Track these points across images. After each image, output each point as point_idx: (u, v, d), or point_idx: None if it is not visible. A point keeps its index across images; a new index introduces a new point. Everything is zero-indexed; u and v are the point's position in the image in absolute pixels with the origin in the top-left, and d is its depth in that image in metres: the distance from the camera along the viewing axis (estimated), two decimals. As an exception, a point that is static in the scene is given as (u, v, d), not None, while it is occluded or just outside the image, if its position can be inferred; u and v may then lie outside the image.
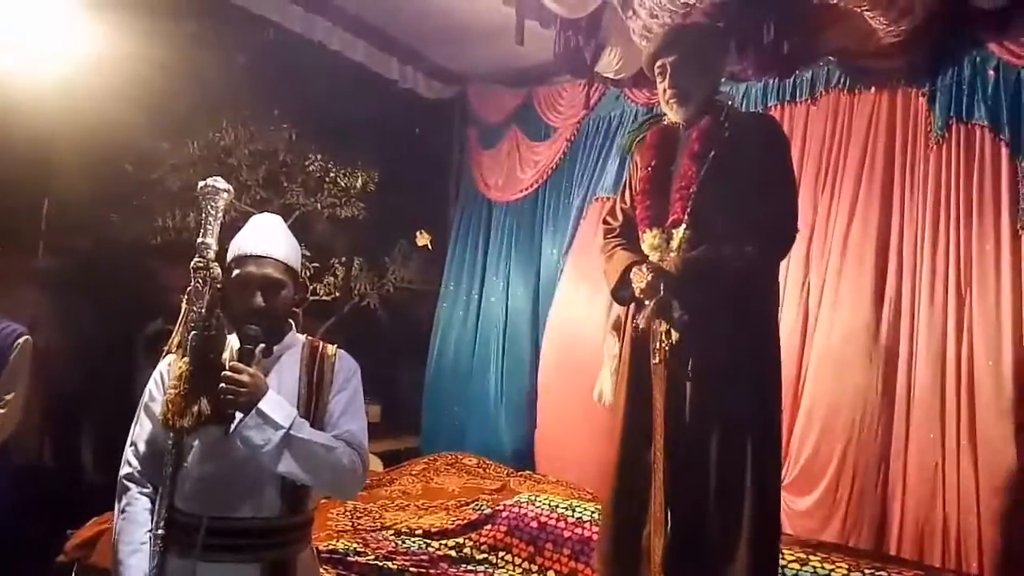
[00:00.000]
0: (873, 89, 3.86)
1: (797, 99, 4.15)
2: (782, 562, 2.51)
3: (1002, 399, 3.18)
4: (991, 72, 3.48)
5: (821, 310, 3.79)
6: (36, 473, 4.27)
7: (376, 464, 4.75)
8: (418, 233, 5.91)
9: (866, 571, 2.67)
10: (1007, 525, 3.10)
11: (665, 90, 2.45)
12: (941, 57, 3.63)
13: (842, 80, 3.98)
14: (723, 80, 2.96)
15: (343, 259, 5.65)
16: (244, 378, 1.65)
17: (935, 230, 3.52)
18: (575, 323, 4.68)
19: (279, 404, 1.69)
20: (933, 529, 3.27)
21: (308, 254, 5.19)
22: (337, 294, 5.56)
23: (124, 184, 4.72)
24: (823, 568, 2.66)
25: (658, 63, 2.45)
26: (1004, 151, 3.39)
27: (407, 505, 3.66)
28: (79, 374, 4.48)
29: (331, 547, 2.87)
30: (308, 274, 5.24)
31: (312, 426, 1.74)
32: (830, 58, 3.94)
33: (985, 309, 3.30)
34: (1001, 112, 3.42)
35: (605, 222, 2.67)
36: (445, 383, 5.56)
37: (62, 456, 4.55)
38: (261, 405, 1.66)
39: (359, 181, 5.36)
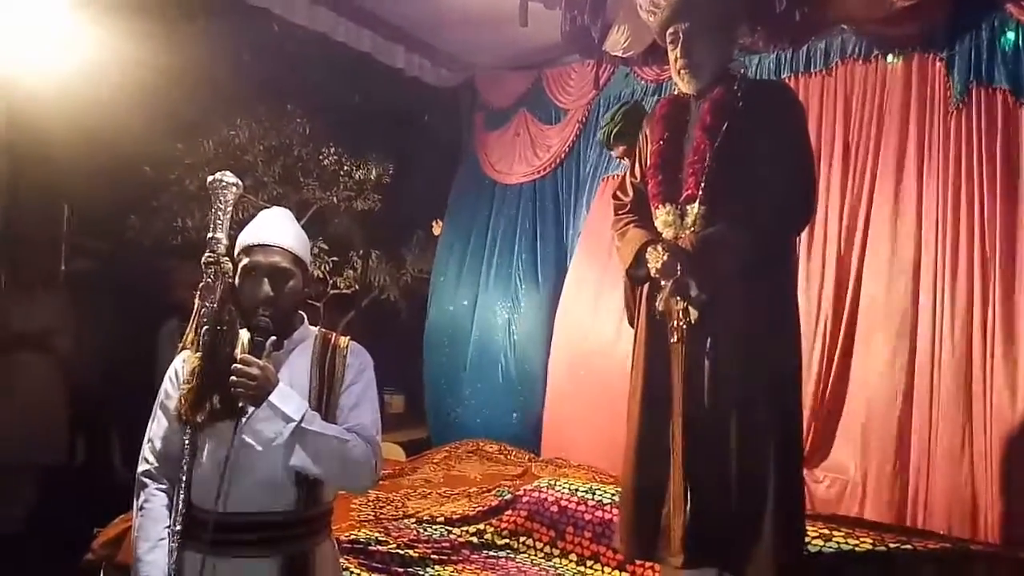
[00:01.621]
0: (890, 57, 3.77)
1: (812, 70, 4.05)
2: (805, 539, 2.48)
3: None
4: (1010, 34, 3.38)
5: (841, 284, 3.72)
6: (64, 472, 4.36)
7: (399, 453, 4.78)
8: (434, 223, 5.92)
9: (891, 545, 2.63)
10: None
11: (677, 59, 2.39)
12: (958, 21, 3.53)
13: (857, 49, 3.89)
14: (736, 51, 2.89)
15: (361, 252, 5.68)
16: (254, 371, 1.65)
17: (957, 197, 3.44)
18: (587, 304, 4.63)
19: (290, 397, 1.70)
20: (962, 505, 3.21)
21: (326, 247, 5.24)
22: (356, 287, 5.59)
23: (143, 186, 4.79)
24: (847, 543, 2.63)
25: (670, 30, 2.39)
26: (1024, 114, 3.31)
27: (429, 493, 3.68)
28: (104, 374, 4.56)
29: (352, 537, 2.89)
30: (328, 268, 5.28)
31: (324, 419, 1.74)
32: (843, 27, 3.85)
33: (1007, 276, 3.23)
34: (1021, 75, 3.33)
35: (616, 197, 2.62)
36: (448, 370, 5.45)
37: (90, 454, 4.64)
38: (272, 398, 1.66)
39: (373, 173, 5.38)
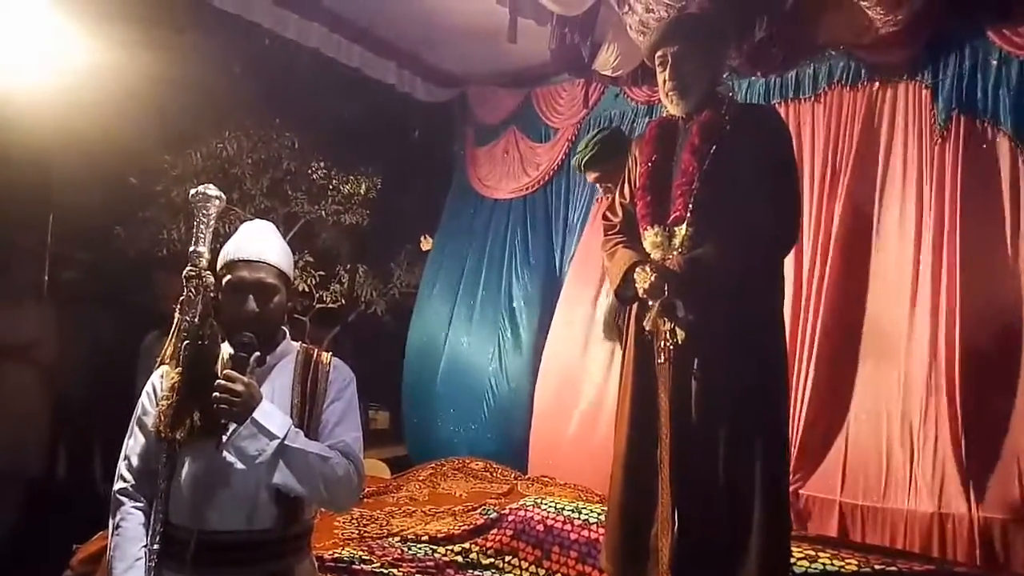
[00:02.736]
0: (877, 84, 3.81)
1: (801, 96, 4.09)
2: (791, 560, 2.47)
3: (1008, 394, 3.13)
4: (993, 62, 3.43)
5: (825, 305, 3.74)
6: (45, 485, 4.29)
7: (383, 470, 4.74)
8: (422, 238, 5.92)
9: (876, 567, 2.63)
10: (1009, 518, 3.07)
11: (665, 81, 2.41)
12: (942, 48, 3.58)
13: (844, 75, 3.93)
14: (725, 74, 2.92)
15: (348, 266, 5.65)
16: (238, 387, 1.63)
17: (940, 224, 3.47)
18: (578, 322, 4.60)
19: (273, 414, 1.68)
20: (942, 523, 3.21)
21: (312, 261, 5.21)
22: (343, 301, 5.56)
23: (129, 197, 4.75)
24: (833, 565, 2.62)
25: (658, 53, 2.41)
26: (1006, 143, 3.35)
27: (414, 511, 3.64)
28: (88, 386, 4.50)
29: (336, 555, 2.85)
30: (314, 282, 5.25)
31: (306, 436, 1.72)
32: (831, 52, 3.89)
33: (988, 301, 3.25)
34: (1003, 103, 3.38)
35: (605, 218, 2.63)
36: (429, 387, 5.37)
37: (71, 468, 4.57)
38: (255, 415, 1.64)
39: (362, 187, 5.37)
